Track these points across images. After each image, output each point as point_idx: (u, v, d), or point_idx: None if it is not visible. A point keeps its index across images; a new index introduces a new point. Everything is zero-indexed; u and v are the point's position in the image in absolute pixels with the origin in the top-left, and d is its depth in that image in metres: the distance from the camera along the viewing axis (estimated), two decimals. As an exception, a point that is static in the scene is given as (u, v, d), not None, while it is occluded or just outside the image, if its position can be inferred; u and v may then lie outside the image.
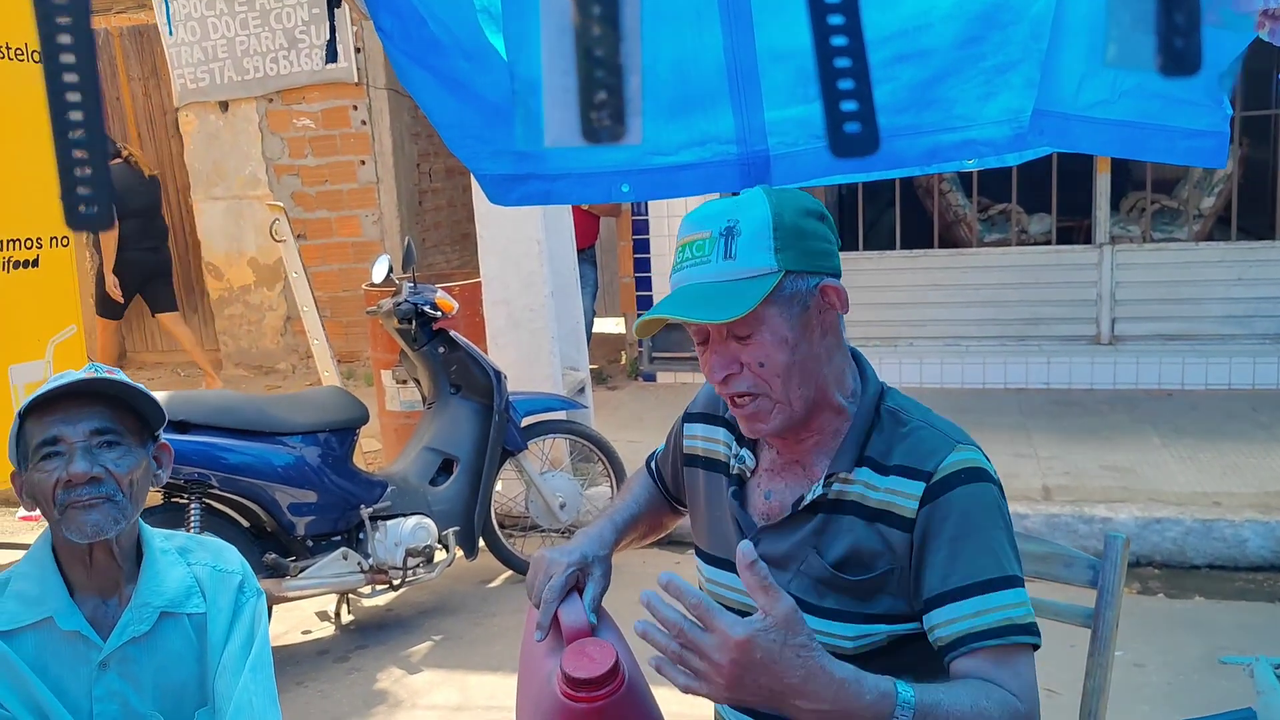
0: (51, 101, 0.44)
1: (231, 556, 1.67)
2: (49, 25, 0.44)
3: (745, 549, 1.18)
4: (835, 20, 0.40)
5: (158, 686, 1.55)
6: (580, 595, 1.46)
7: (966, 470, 1.37)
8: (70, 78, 0.43)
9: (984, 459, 1.40)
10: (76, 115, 0.44)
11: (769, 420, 1.40)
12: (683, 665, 1.19)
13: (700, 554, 1.61)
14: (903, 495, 1.38)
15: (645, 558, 4.43)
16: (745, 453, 1.52)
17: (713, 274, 1.36)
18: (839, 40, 0.40)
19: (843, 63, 0.41)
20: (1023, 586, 1.35)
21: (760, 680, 1.17)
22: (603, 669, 1.28)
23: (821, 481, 1.42)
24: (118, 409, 1.53)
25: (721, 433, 1.59)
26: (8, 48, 4.39)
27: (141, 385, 1.55)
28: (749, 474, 1.53)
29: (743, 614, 1.49)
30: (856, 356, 1.50)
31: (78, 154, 0.45)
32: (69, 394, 1.49)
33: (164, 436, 1.64)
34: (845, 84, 0.41)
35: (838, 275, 1.42)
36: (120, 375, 1.54)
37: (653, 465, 1.79)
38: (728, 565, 1.51)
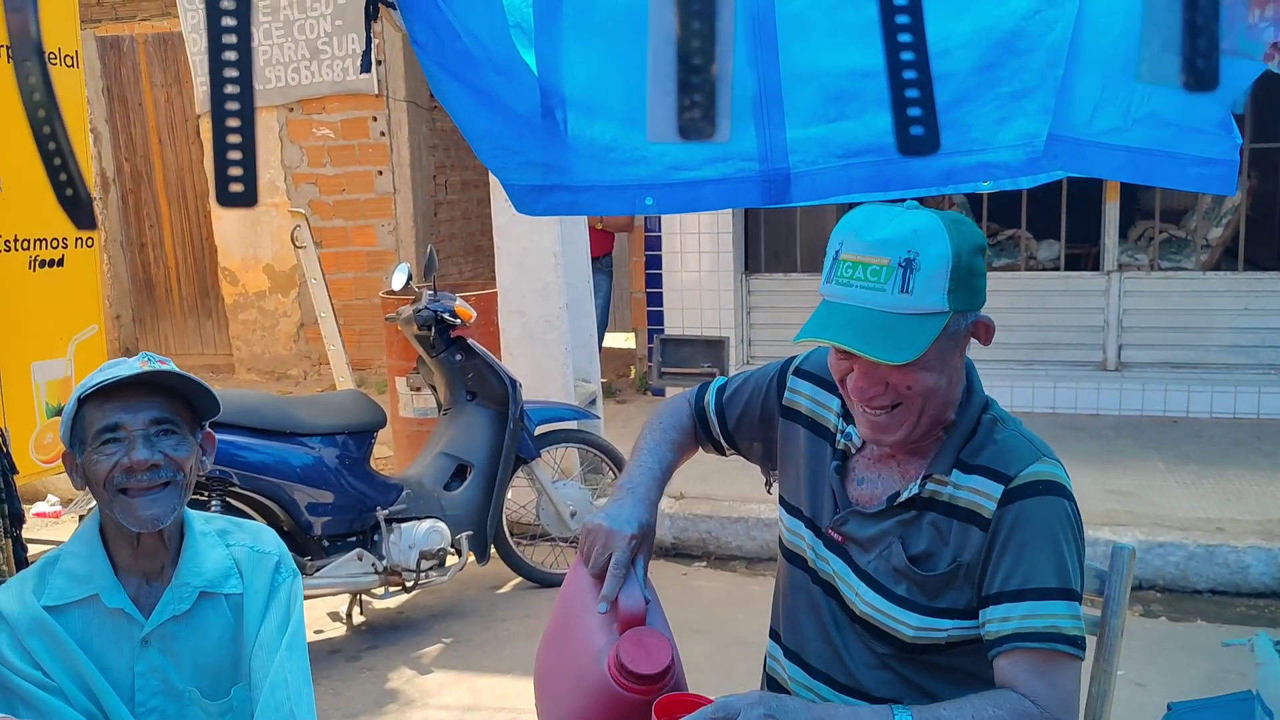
0: (213, 82, 0.50)
1: (269, 538, 1.73)
2: (214, 9, 0.50)
3: None
4: (905, 38, 0.46)
5: (196, 664, 1.61)
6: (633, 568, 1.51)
7: (1045, 482, 1.45)
8: (230, 63, 0.49)
9: (1064, 476, 1.48)
10: (233, 106, 0.50)
11: (894, 433, 1.48)
12: None
13: (785, 504, 1.69)
14: (983, 495, 1.46)
15: (652, 569, 4.47)
16: (853, 431, 1.59)
17: (885, 304, 1.39)
18: (907, 56, 0.46)
19: (910, 74, 0.47)
20: (1078, 602, 1.42)
21: (792, 715, 1.28)
22: (660, 666, 1.34)
23: (918, 481, 1.50)
24: (173, 399, 1.60)
25: (835, 403, 1.65)
26: (41, 51, 4.48)
27: (198, 377, 1.61)
28: (853, 451, 1.60)
29: (815, 573, 1.61)
30: (969, 367, 1.57)
31: (231, 139, 0.51)
32: (129, 383, 1.56)
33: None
34: (912, 93, 0.47)
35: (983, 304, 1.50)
36: (172, 366, 1.61)
37: (708, 402, 1.83)
38: (810, 524, 1.63)
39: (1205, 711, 1.49)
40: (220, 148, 0.51)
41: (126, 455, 1.54)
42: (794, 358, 1.78)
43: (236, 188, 0.51)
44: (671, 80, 0.47)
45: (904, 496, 1.51)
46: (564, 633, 1.52)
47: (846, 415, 1.62)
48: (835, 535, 1.58)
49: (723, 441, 1.83)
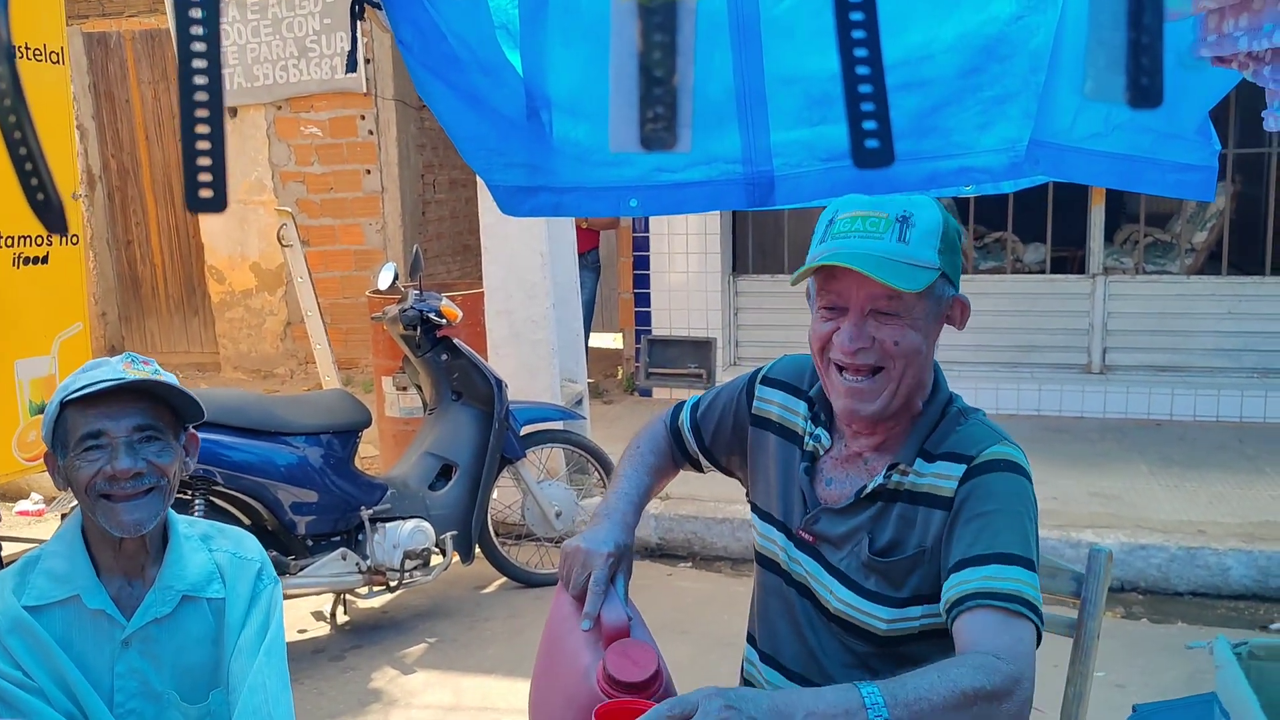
0: (181, 90, 0.51)
1: (251, 545, 1.73)
2: (183, 15, 0.50)
3: None
4: (860, 53, 0.47)
5: (176, 666, 1.61)
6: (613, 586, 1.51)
7: (1007, 461, 1.48)
8: (199, 71, 0.50)
9: (1025, 460, 1.52)
10: (203, 113, 0.51)
11: (875, 400, 1.49)
12: None
13: (756, 510, 1.71)
14: (945, 477, 1.49)
15: (638, 569, 4.48)
16: (821, 432, 1.62)
17: (884, 250, 1.44)
18: (863, 70, 0.47)
19: (865, 88, 0.48)
20: (1038, 577, 1.43)
21: (752, 704, 1.21)
22: (646, 674, 1.33)
23: (883, 473, 1.52)
24: (156, 404, 1.60)
25: (803, 407, 1.67)
26: (26, 48, 4.46)
27: (179, 384, 1.61)
28: (822, 453, 1.62)
29: (788, 575, 1.62)
30: (935, 367, 1.60)
31: (200, 145, 0.51)
32: (112, 389, 1.55)
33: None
34: (867, 106, 0.48)
35: None
36: (155, 367, 1.60)
37: (683, 421, 1.84)
38: (781, 527, 1.64)
39: (1168, 713, 1.51)
40: (189, 152, 0.51)
41: (110, 464, 1.54)
42: (760, 368, 1.80)
43: (206, 193, 0.52)
44: (634, 91, 0.48)
45: (870, 488, 1.53)
46: (552, 658, 1.51)
47: (815, 418, 1.64)
48: (806, 536, 1.60)
49: (700, 457, 1.84)
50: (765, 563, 1.69)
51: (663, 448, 1.85)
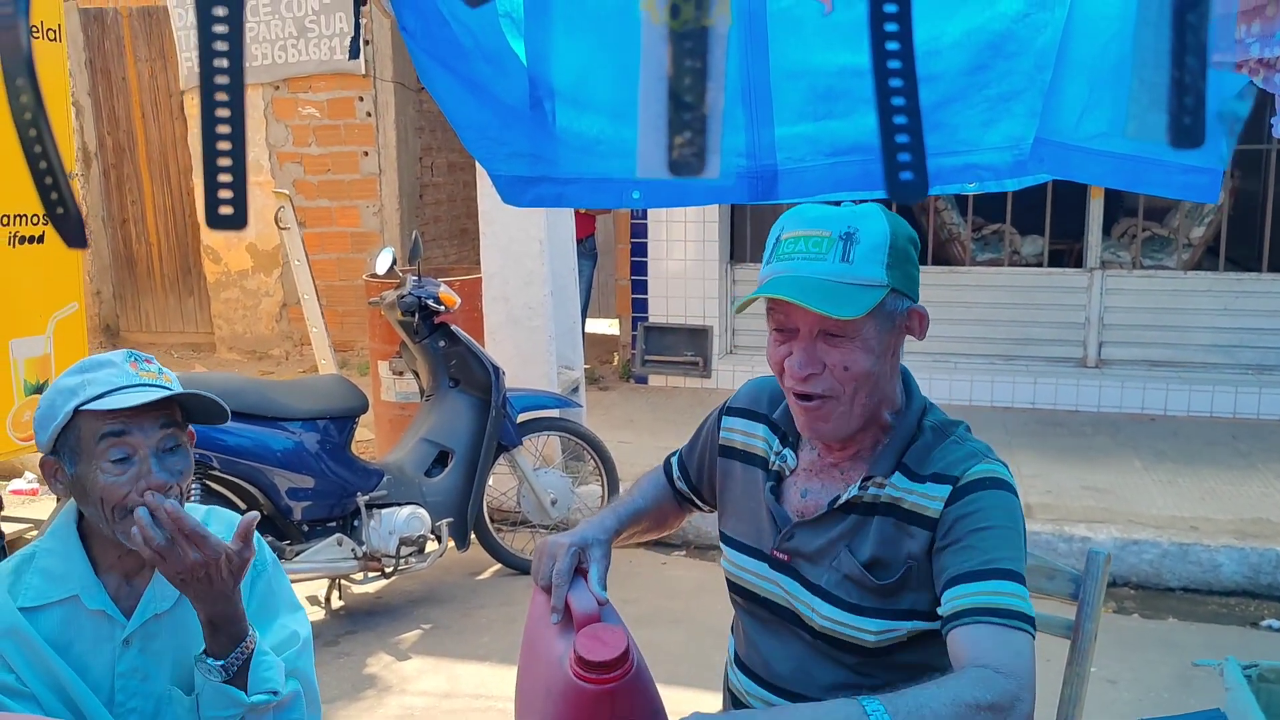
0: (204, 103, 0.50)
1: None
2: (207, 29, 0.49)
3: None
4: (895, 83, 0.46)
5: (177, 662, 1.58)
6: (585, 577, 1.52)
7: (992, 479, 1.48)
8: (221, 80, 0.49)
9: (1009, 475, 1.51)
10: (224, 130, 0.50)
11: (830, 422, 1.50)
12: None
13: (726, 540, 1.70)
14: (931, 498, 1.49)
15: (632, 558, 4.50)
16: (788, 452, 1.62)
17: (827, 273, 1.43)
18: (900, 119, 0.46)
19: (900, 120, 0.47)
20: (1027, 589, 1.43)
21: None
22: (615, 652, 1.34)
23: (858, 484, 1.52)
24: (171, 405, 1.55)
25: (762, 429, 1.68)
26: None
27: (215, 395, 1.57)
28: (788, 473, 1.62)
29: (766, 601, 1.61)
30: (904, 373, 1.60)
31: (222, 161, 0.51)
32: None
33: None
34: (902, 138, 0.48)
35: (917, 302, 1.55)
36: (157, 365, 1.57)
37: (673, 461, 1.87)
38: (753, 553, 1.63)
39: (1174, 727, 1.51)
40: (210, 168, 0.51)
41: (145, 479, 1.48)
42: (726, 401, 1.80)
43: (226, 210, 0.51)
44: (663, 115, 0.47)
45: (844, 498, 1.53)
46: (530, 654, 1.52)
47: (782, 438, 1.64)
48: (781, 555, 1.59)
49: (691, 495, 1.84)
50: (738, 590, 1.68)
51: (660, 481, 1.87)
